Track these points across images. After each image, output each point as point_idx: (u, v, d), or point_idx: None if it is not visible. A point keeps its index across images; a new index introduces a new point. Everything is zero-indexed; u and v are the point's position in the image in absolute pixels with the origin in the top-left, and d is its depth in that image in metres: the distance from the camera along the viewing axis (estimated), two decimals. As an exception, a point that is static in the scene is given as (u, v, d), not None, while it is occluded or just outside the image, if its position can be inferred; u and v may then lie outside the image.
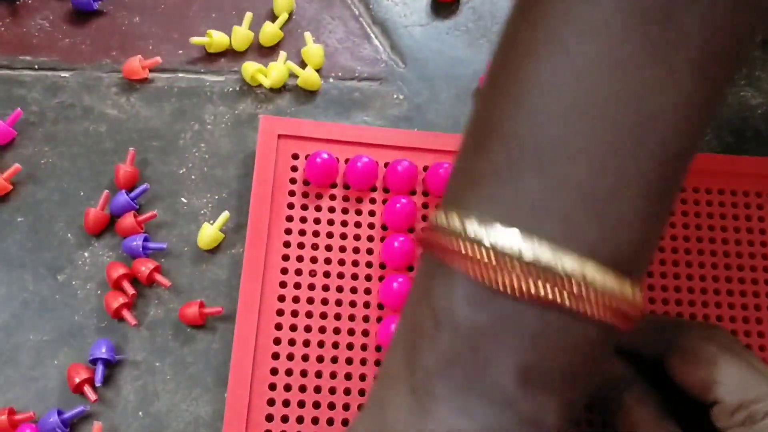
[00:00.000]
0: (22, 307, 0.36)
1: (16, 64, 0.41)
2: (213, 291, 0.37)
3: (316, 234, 0.38)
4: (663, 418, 0.30)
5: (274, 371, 0.35)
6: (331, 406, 0.34)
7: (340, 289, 0.37)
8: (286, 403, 0.34)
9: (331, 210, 0.38)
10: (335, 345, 0.36)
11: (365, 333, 0.36)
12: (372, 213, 0.39)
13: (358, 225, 0.38)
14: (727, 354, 0.30)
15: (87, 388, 0.34)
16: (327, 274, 0.37)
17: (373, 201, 0.39)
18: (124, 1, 0.43)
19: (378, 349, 0.36)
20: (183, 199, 0.39)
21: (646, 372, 0.32)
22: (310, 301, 0.36)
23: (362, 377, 0.35)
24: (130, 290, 0.36)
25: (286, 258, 0.37)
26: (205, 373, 0.36)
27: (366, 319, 0.36)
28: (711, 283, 0.39)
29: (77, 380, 0.34)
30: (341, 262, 0.37)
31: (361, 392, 0.35)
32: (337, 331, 0.36)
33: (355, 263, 0.37)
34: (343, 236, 0.38)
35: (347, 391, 0.35)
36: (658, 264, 0.39)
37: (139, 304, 0.37)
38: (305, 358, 0.35)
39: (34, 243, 0.37)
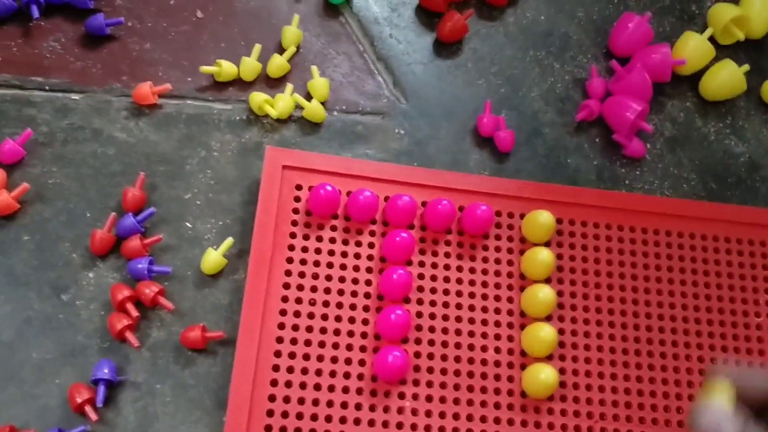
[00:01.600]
0: (26, 325, 0.37)
1: (27, 85, 0.42)
2: (214, 315, 0.38)
3: (316, 264, 0.39)
4: None
5: (272, 398, 0.36)
6: (327, 433, 0.36)
7: (338, 319, 0.38)
8: (283, 430, 0.35)
9: (332, 241, 0.40)
10: (332, 374, 0.37)
11: (362, 363, 0.37)
12: (371, 245, 0.40)
13: (357, 256, 0.40)
14: None
15: (88, 408, 0.35)
16: (326, 304, 0.38)
17: (372, 233, 0.40)
18: (136, 27, 0.44)
19: (374, 379, 0.37)
20: (188, 223, 0.40)
21: None
22: (309, 329, 0.37)
23: (358, 406, 0.36)
24: (134, 312, 0.37)
25: (287, 286, 0.38)
26: (204, 396, 0.36)
27: (363, 349, 0.37)
28: (693, 324, 0.41)
29: (79, 400, 0.35)
30: (340, 292, 0.38)
31: (357, 421, 0.36)
32: (334, 360, 0.37)
33: (354, 294, 0.39)
34: (343, 267, 0.39)
35: (343, 420, 0.36)
36: (644, 305, 0.41)
37: (141, 326, 0.37)
38: (303, 385, 0.36)
39: (39, 262, 0.38)
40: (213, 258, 0.39)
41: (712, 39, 0.49)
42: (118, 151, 0.41)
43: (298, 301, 0.38)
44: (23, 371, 0.36)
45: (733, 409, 0.31)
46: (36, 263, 0.38)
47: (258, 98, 0.43)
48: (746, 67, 0.49)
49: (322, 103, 0.44)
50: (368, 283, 0.39)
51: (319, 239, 0.39)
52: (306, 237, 0.39)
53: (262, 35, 0.45)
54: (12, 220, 0.39)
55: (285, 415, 0.35)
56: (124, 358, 0.37)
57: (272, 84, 0.44)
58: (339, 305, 0.38)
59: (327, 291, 0.38)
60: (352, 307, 0.38)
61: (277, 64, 0.44)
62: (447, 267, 0.40)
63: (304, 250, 0.39)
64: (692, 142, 0.48)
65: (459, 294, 0.39)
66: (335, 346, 0.37)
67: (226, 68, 0.43)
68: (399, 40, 0.47)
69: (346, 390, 0.36)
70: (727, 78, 0.49)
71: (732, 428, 0.30)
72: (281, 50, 0.45)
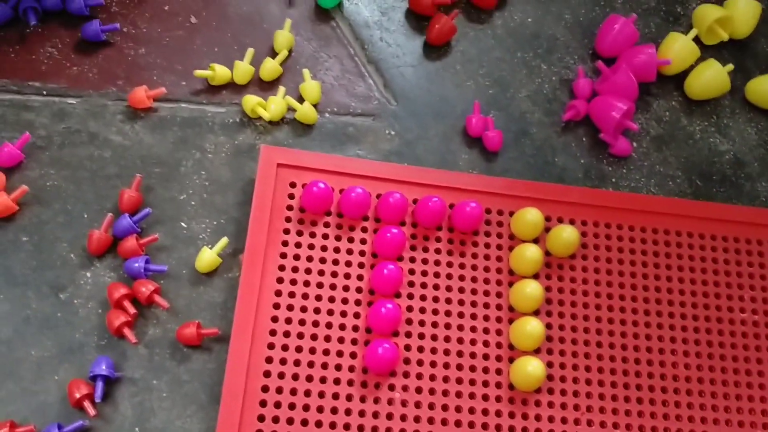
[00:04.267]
0: (25, 324, 0.38)
1: (25, 90, 0.43)
2: (209, 313, 0.39)
3: (309, 259, 0.40)
4: None
5: (265, 388, 0.36)
6: (319, 424, 0.36)
7: (330, 313, 0.39)
8: (275, 420, 0.36)
9: (325, 237, 0.40)
10: (324, 366, 0.37)
11: (353, 355, 0.38)
12: (363, 241, 0.41)
13: (349, 252, 0.40)
14: None
15: (87, 404, 0.35)
16: (319, 298, 0.39)
17: (364, 230, 0.41)
18: (131, 32, 0.45)
19: (365, 371, 0.38)
20: (183, 224, 0.41)
21: None
22: (302, 322, 0.38)
23: (349, 397, 0.37)
24: (132, 309, 0.37)
25: (280, 281, 0.39)
26: (199, 391, 0.37)
27: (354, 341, 0.38)
28: (679, 320, 0.42)
29: (78, 395, 0.35)
30: (333, 287, 0.39)
31: (348, 412, 0.37)
32: (326, 352, 0.38)
33: (346, 288, 0.39)
34: (335, 262, 0.40)
35: (334, 410, 0.37)
36: (630, 300, 0.42)
37: (138, 324, 0.38)
38: (295, 377, 0.37)
39: (37, 262, 0.39)
40: (208, 257, 0.39)
41: (696, 39, 0.50)
42: (114, 153, 0.42)
43: (292, 295, 0.39)
44: (22, 368, 0.37)
45: None
46: (34, 263, 0.39)
47: (251, 101, 0.44)
48: (730, 66, 0.50)
49: (314, 106, 0.45)
50: (360, 278, 0.40)
51: (312, 235, 0.40)
52: (299, 233, 0.40)
53: (255, 40, 0.46)
54: (11, 222, 0.40)
55: (277, 405, 0.36)
56: (121, 354, 0.37)
57: (265, 87, 0.45)
58: (331, 299, 0.39)
59: (320, 285, 0.39)
60: (344, 301, 0.39)
61: (270, 67, 0.45)
62: (437, 263, 0.41)
63: (298, 245, 0.40)
64: (678, 141, 0.49)
65: (449, 289, 0.40)
66: (327, 339, 0.38)
67: (219, 72, 0.44)
68: (389, 43, 0.48)
69: (337, 381, 0.37)
70: (711, 77, 0.49)
71: None
72: (274, 54, 0.46)
